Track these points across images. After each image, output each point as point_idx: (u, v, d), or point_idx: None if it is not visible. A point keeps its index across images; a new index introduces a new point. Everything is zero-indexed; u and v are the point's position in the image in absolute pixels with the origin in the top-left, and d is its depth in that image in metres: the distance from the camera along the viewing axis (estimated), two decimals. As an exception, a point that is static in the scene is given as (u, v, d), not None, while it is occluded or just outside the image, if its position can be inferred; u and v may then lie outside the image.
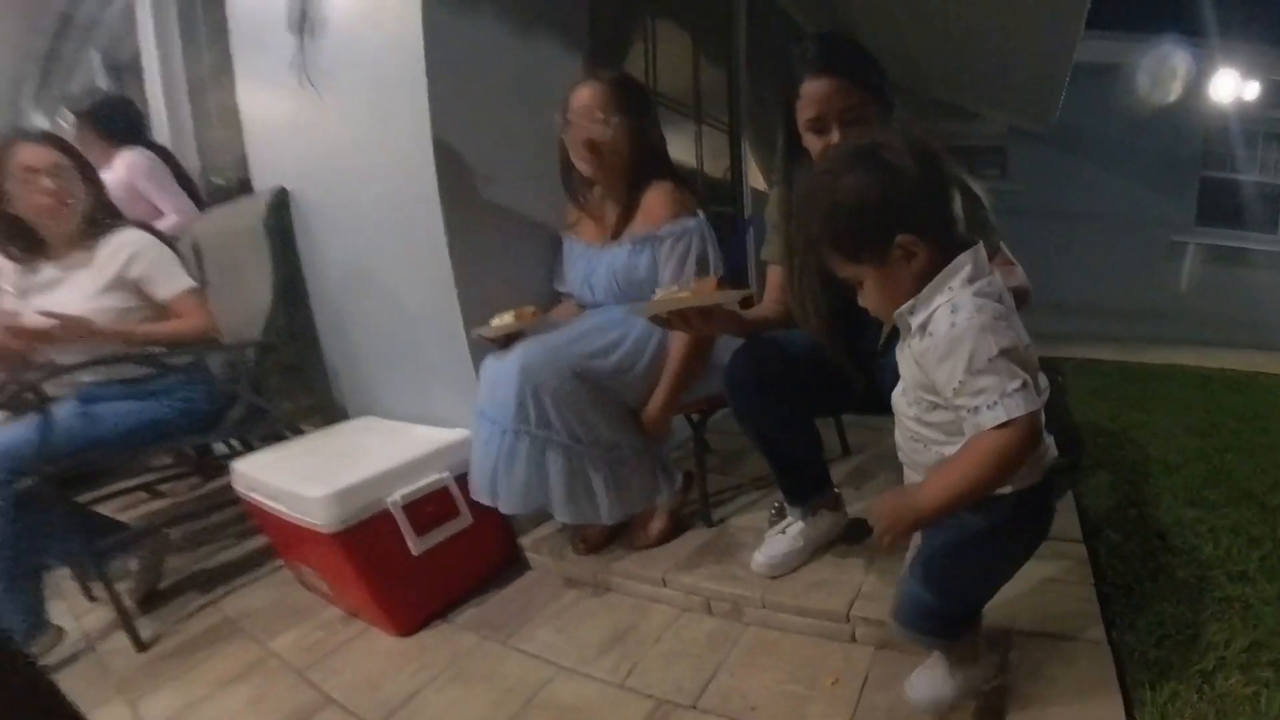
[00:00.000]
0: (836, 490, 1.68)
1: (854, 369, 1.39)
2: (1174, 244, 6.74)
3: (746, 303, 1.58)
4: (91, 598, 2.05)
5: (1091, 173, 6.81)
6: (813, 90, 1.32)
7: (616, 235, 1.81)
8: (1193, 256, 6.71)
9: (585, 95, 1.72)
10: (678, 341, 1.68)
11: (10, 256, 1.96)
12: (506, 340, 1.70)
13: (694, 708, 1.28)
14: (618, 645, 1.50)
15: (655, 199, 1.76)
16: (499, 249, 1.98)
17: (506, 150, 1.98)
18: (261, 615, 1.93)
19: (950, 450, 0.95)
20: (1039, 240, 6.52)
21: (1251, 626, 1.27)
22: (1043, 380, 0.94)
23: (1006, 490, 0.94)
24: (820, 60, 1.33)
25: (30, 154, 1.92)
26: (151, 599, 2.09)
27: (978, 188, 1.39)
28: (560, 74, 2.08)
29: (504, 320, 1.67)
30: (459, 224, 1.86)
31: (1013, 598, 1.33)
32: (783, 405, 1.49)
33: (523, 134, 2.02)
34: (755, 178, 3.94)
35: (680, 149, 3.29)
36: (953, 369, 0.87)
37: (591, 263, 1.83)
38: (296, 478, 1.72)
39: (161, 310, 2.01)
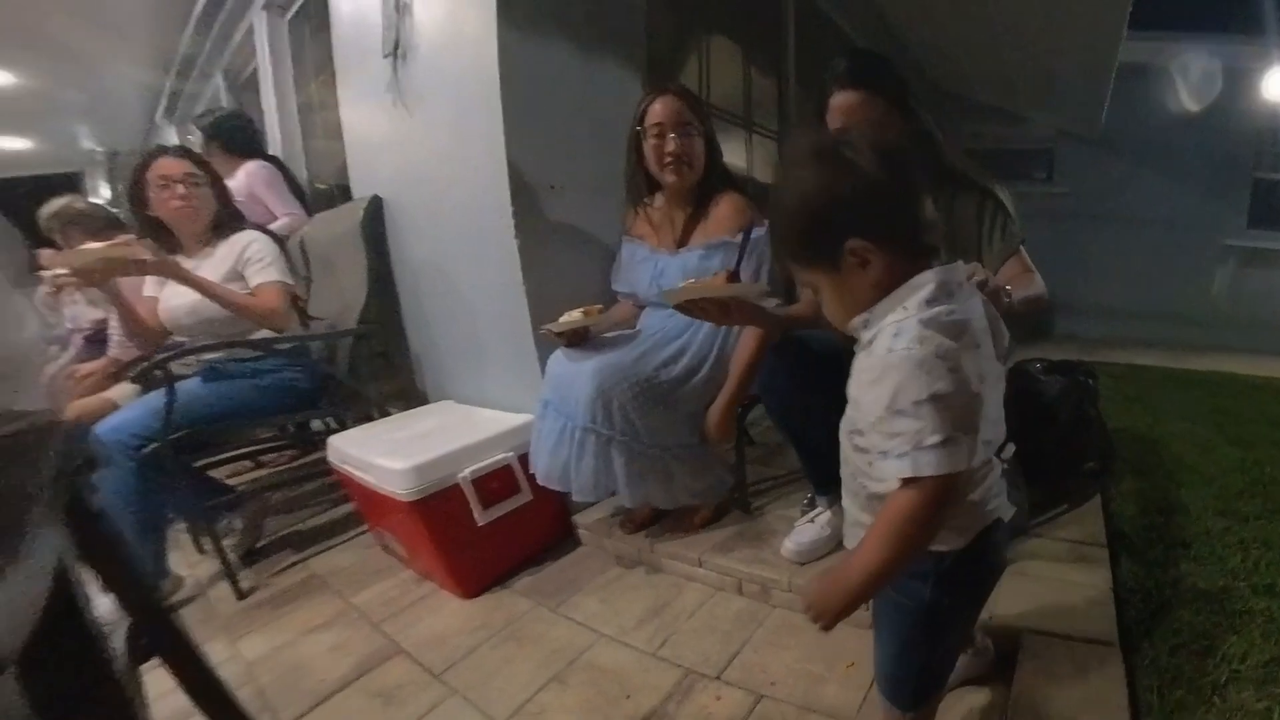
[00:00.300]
0: None
1: None
2: (1225, 248, 6.12)
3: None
4: (201, 550, 2.16)
5: (1141, 176, 6.24)
6: (839, 103, 1.33)
7: (684, 241, 1.80)
8: (1244, 261, 6.10)
9: (668, 107, 1.70)
10: (744, 346, 1.64)
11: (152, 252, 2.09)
12: (573, 336, 1.71)
13: (718, 679, 1.28)
14: (655, 618, 1.52)
15: (727, 208, 1.75)
16: (563, 252, 2.00)
17: (571, 162, 2.00)
18: (346, 573, 1.99)
19: (871, 486, 0.83)
20: (1086, 244, 6.11)
21: (1272, 641, 1.18)
22: (990, 432, 0.78)
23: (943, 548, 0.82)
24: (846, 75, 1.33)
25: (167, 165, 2.03)
26: (251, 554, 2.18)
27: (1002, 192, 1.33)
28: (620, 91, 2.10)
29: (572, 317, 1.69)
30: (528, 229, 1.89)
31: (1026, 596, 1.29)
32: (811, 400, 1.45)
33: (586, 147, 2.04)
34: None
35: (732, 156, 3.27)
36: (876, 399, 0.73)
37: (661, 265, 1.81)
38: (382, 452, 1.77)
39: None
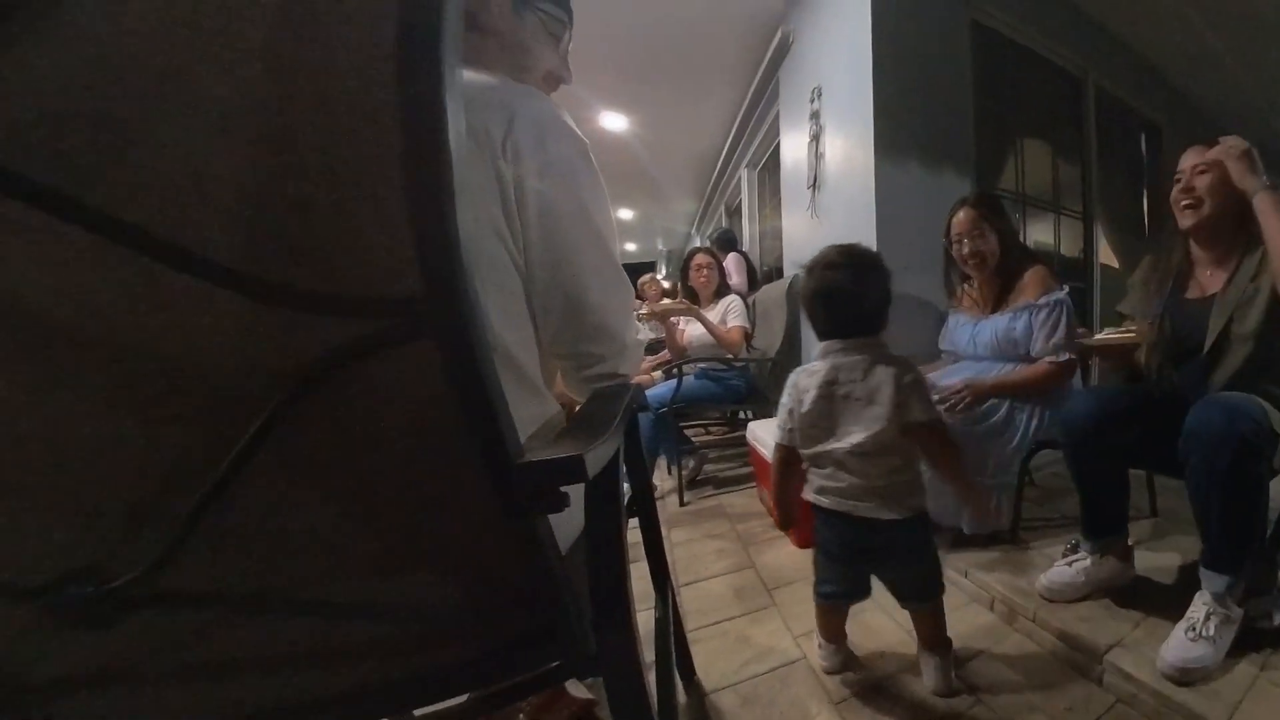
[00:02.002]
0: (1131, 544, 1.29)
1: (1175, 399, 1.16)
2: None
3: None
4: (669, 473, 2.55)
5: None
6: (1183, 159, 1.24)
7: (997, 308, 1.68)
8: None
9: (962, 219, 1.67)
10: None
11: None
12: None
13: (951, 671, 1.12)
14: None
15: (1032, 279, 1.61)
16: (908, 315, 1.98)
17: (918, 247, 1.99)
18: (737, 509, 2.22)
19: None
20: None
21: None
22: (809, 444, 1.01)
23: None
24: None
25: (699, 259, 2.77)
26: (693, 483, 2.56)
27: None
28: (955, 191, 2.02)
29: None
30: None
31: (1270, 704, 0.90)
32: (1104, 445, 1.23)
33: (929, 235, 1.99)
34: (1106, 256, 2.94)
35: (1042, 235, 2.81)
36: None
37: (977, 328, 1.71)
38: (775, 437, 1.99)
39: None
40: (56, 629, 0.40)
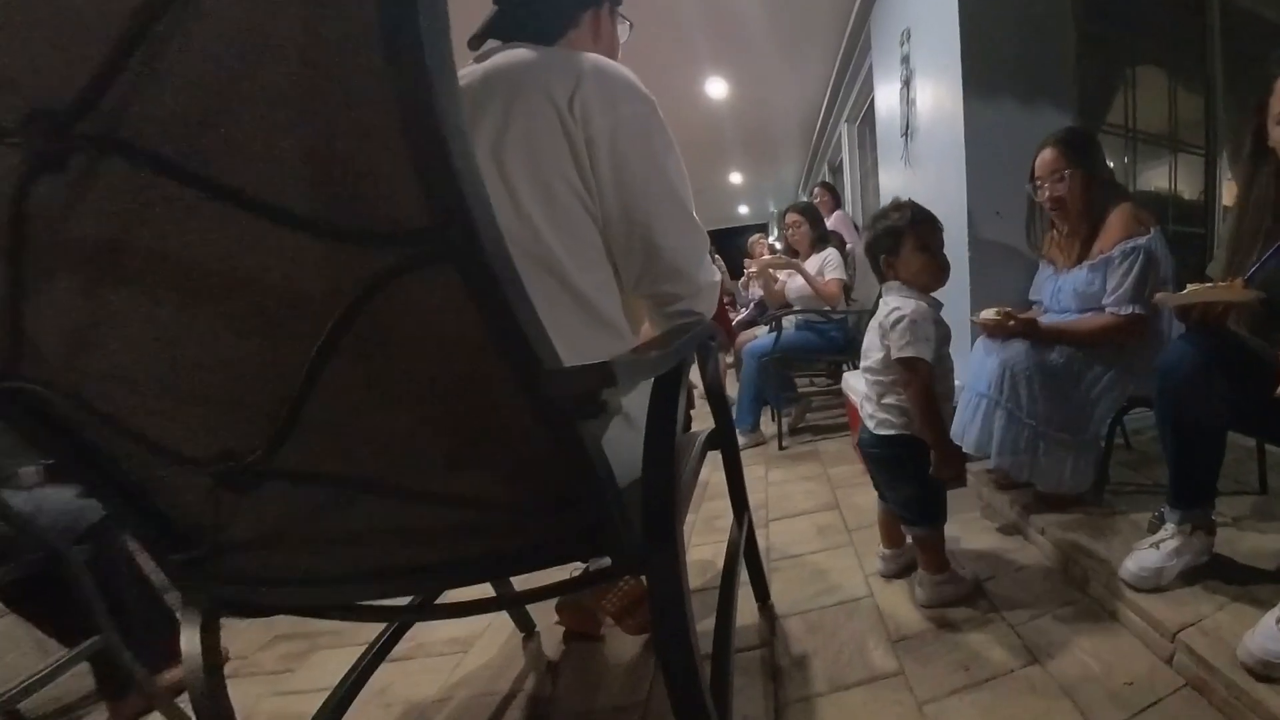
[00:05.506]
0: (1214, 518, 1.00)
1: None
2: None
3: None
4: (774, 419, 2.44)
5: None
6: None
7: (1081, 259, 1.34)
8: None
9: (1043, 160, 1.34)
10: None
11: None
12: (994, 328, 1.44)
13: (1013, 628, 1.00)
14: (991, 558, 1.25)
15: (1114, 221, 1.26)
16: (998, 263, 1.72)
17: (1011, 192, 1.62)
18: (831, 454, 2.12)
19: None
20: None
21: None
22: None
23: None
24: None
25: (790, 216, 2.60)
26: (794, 430, 2.47)
27: None
28: (1053, 130, 1.57)
29: (989, 314, 1.42)
30: (976, 244, 1.74)
31: None
32: (1208, 396, 0.90)
33: (1022, 180, 1.59)
34: (1230, 196, 2.02)
35: (1157, 179, 2.12)
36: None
37: (1059, 282, 1.40)
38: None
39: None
40: (223, 492, 0.48)
